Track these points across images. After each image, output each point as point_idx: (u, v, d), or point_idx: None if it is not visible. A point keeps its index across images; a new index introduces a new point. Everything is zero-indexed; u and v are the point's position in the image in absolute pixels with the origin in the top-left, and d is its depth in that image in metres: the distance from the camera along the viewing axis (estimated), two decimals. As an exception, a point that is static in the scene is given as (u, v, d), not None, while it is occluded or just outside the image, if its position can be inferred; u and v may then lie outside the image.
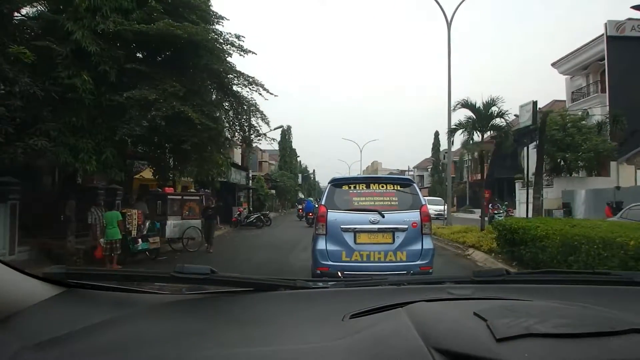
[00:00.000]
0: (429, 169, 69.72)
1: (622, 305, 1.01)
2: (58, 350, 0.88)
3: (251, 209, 26.94)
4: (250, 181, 30.17)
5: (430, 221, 6.08)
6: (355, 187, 6.07)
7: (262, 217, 22.30)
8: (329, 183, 6.32)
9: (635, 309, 1.00)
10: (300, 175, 60.50)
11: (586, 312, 0.93)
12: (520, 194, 32.12)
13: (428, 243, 5.75)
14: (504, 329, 0.77)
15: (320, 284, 1.37)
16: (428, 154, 57.32)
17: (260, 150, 56.24)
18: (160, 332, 1.00)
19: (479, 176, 44.15)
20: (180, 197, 14.37)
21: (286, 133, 52.82)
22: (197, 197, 15.21)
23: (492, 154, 46.57)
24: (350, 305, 1.06)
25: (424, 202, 6.06)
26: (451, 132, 17.23)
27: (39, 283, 1.13)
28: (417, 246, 5.65)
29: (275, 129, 28.77)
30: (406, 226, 5.66)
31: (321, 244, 5.67)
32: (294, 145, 56.92)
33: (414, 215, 5.74)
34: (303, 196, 59.51)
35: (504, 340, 0.74)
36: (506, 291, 1.20)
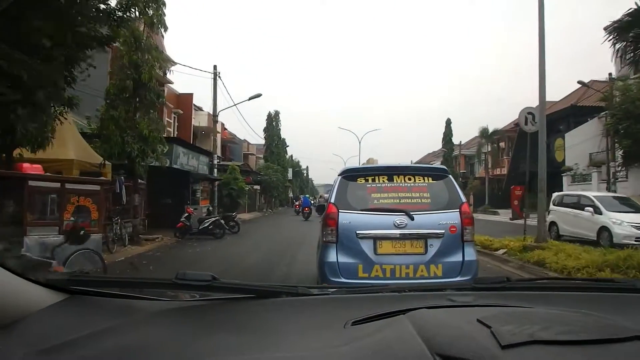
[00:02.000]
0: (433, 164, 63.63)
1: (624, 313, 1.01)
2: (62, 357, 0.89)
3: (211, 208, 19.14)
4: (217, 170, 22.42)
5: (473, 224, 4.69)
6: (374, 180, 4.76)
7: (221, 221, 15.00)
8: (339, 175, 4.96)
9: (638, 316, 1.00)
10: (290, 170, 53.49)
11: (589, 319, 0.93)
12: (571, 191, 24.98)
13: (470, 253, 4.51)
14: (508, 335, 0.78)
15: (322, 291, 1.38)
16: (429, 149, 50.88)
17: (247, 142, 49.66)
18: (163, 339, 1.00)
19: (497, 170, 37.81)
20: (58, 184, 7.39)
21: (273, 119, 45.68)
22: (97, 187, 8.06)
23: (514, 145, 39.82)
24: (352, 312, 1.06)
25: (464, 199, 4.76)
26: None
27: (42, 289, 1.13)
28: (457, 257, 4.44)
29: (252, 98, 21.96)
30: (442, 231, 4.46)
31: (331, 255, 4.47)
32: (283, 135, 49.93)
33: (452, 217, 4.51)
34: (292, 194, 53.53)
35: (509, 347, 0.75)
36: (507, 298, 1.21)
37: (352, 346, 0.84)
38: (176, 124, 30.73)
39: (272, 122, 45.69)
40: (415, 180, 4.77)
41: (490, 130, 37.30)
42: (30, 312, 1.03)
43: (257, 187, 36.86)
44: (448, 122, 46.16)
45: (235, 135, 47.81)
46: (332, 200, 4.68)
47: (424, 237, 4.47)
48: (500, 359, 0.72)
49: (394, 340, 0.85)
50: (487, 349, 0.75)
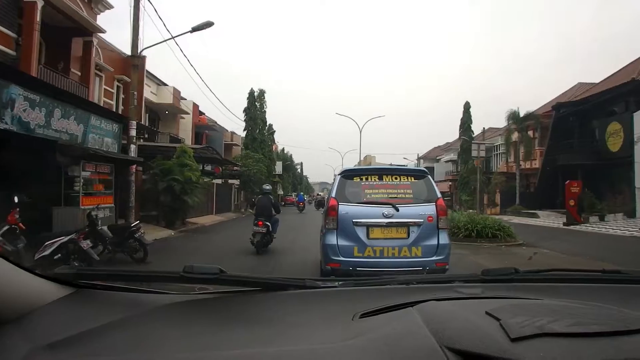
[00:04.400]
0: (438, 159, 56.97)
1: (632, 304, 1.00)
2: (69, 351, 0.88)
3: (95, 213, 8.95)
4: (133, 146, 13.39)
5: (447, 214, 5.81)
6: (367, 179, 5.79)
7: (83, 244, 7.46)
8: (338, 174, 6.12)
9: None
10: (280, 163, 46.53)
11: (599, 311, 0.92)
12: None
13: (444, 238, 5.53)
14: (517, 328, 0.77)
15: (329, 283, 1.36)
16: (436, 139, 43.99)
17: (233, 133, 42.83)
18: (171, 332, 0.99)
19: (526, 164, 31.26)
20: None
21: (257, 99, 38.30)
22: None
23: (550, 132, 32.95)
24: (360, 305, 1.05)
25: (439, 195, 5.77)
26: None
27: (49, 283, 1.12)
28: (433, 241, 5.43)
29: (196, 29, 14.43)
30: (421, 220, 5.44)
31: (332, 239, 5.44)
32: (269, 120, 42.60)
33: (429, 209, 5.51)
34: (282, 192, 47.31)
35: (518, 339, 0.74)
36: (515, 290, 1.21)
37: (361, 339, 0.84)
38: (121, 95, 23.48)
39: (255, 102, 38.13)
40: (400, 179, 5.77)
41: (522, 113, 30.48)
42: (37, 306, 1.02)
43: (233, 181, 29.85)
44: (466, 107, 38.89)
45: (216, 123, 40.90)
46: (333, 195, 5.66)
47: (407, 225, 5.42)
48: (510, 351, 0.71)
49: (402, 333, 0.85)
50: (496, 341, 0.74)
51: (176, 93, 30.51)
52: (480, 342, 0.74)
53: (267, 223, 10.06)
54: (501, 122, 33.03)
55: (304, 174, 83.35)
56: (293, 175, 66.08)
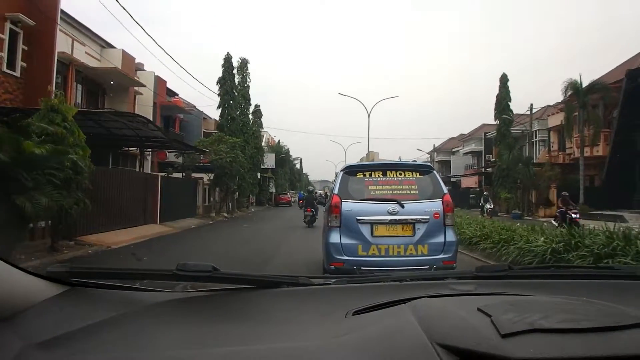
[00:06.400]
0: (454, 151, 49.80)
1: (626, 300, 1.01)
2: (62, 349, 0.88)
3: None
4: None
5: (453, 211, 5.57)
6: (371, 175, 5.65)
7: None
8: (341, 170, 6.04)
9: (639, 303, 0.99)
10: (272, 155, 39.24)
11: (590, 306, 0.92)
12: None
13: (451, 235, 5.36)
14: (508, 324, 0.78)
15: (323, 281, 1.38)
16: (445, 135, 36.50)
17: (216, 121, 35.94)
18: (163, 330, 1.00)
19: (587, 151, 24.25)
20: None
21: (239, 71, 30.24)
22: None
23: (621, 107, 25.37)
24: (353, 302, 1.06)
25: (445, 191, 5.59)
26: None
27: (41, 282, 1.12)
28: (440, 239, 5.28)
29: None
30: (427, 217, 5.29)
31: (335, 237, 5.31)
32: (256, 99, 34.70)
33: (435, 205, 5.36)
34: (274, 190, 41.13)
35: (508, 335, 0.75)
36: (509, 286, 1.21)
37: (353, 336, 0.85)
38: (21, 45, 16.20)
39: (233, 72, 28.76)
40: (405, 175, 5.57)
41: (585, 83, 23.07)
42: (30, 304, 1.02)
43: (201, 175, 22.33)
44: (504, 80, 30.45)
45: (195, 107, 33.67)
46: (336, 192, 5.49)
47: (413, 222, 5.27)
48: (500, 347, 0.72)
49: (394, 330, 0.85)
50: (486, 338, 0.75)
51: (127, 58, 23.08)
52: (470, 339, 0.75)
53: (313, 209, 17.62)
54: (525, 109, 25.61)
55: (304, 171, 76.41)
56: (291, 172, 58.90)
